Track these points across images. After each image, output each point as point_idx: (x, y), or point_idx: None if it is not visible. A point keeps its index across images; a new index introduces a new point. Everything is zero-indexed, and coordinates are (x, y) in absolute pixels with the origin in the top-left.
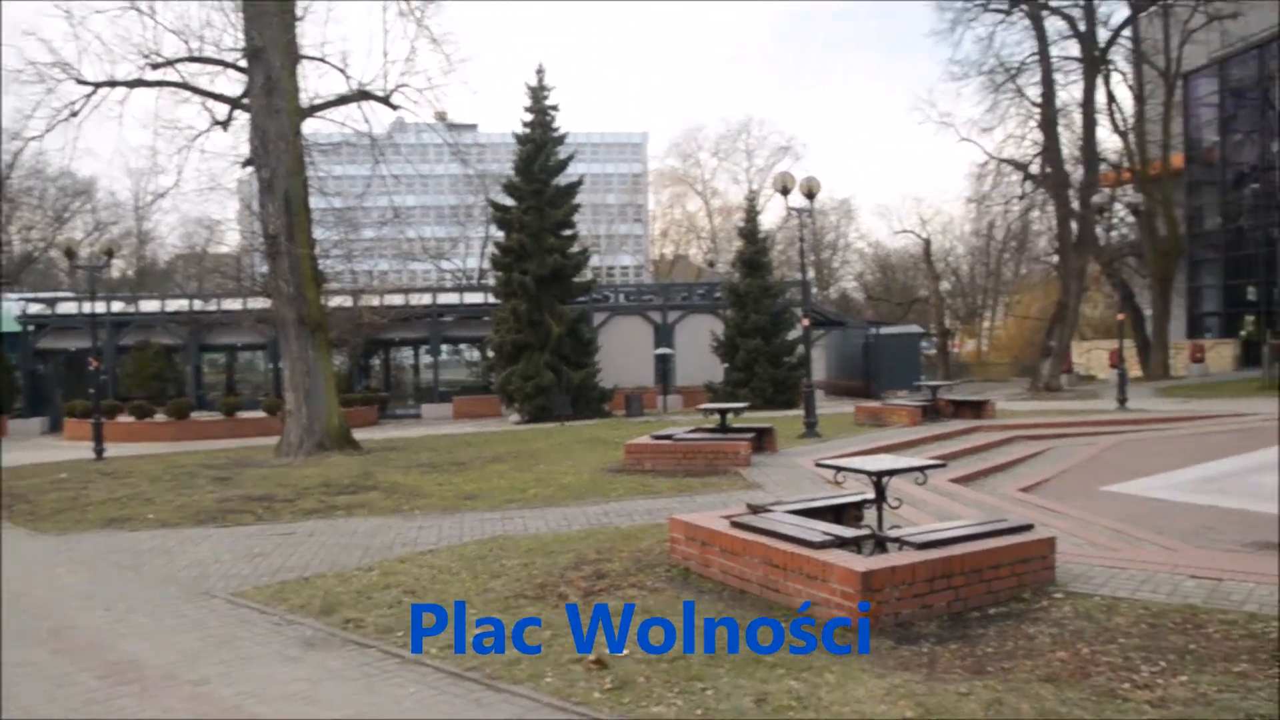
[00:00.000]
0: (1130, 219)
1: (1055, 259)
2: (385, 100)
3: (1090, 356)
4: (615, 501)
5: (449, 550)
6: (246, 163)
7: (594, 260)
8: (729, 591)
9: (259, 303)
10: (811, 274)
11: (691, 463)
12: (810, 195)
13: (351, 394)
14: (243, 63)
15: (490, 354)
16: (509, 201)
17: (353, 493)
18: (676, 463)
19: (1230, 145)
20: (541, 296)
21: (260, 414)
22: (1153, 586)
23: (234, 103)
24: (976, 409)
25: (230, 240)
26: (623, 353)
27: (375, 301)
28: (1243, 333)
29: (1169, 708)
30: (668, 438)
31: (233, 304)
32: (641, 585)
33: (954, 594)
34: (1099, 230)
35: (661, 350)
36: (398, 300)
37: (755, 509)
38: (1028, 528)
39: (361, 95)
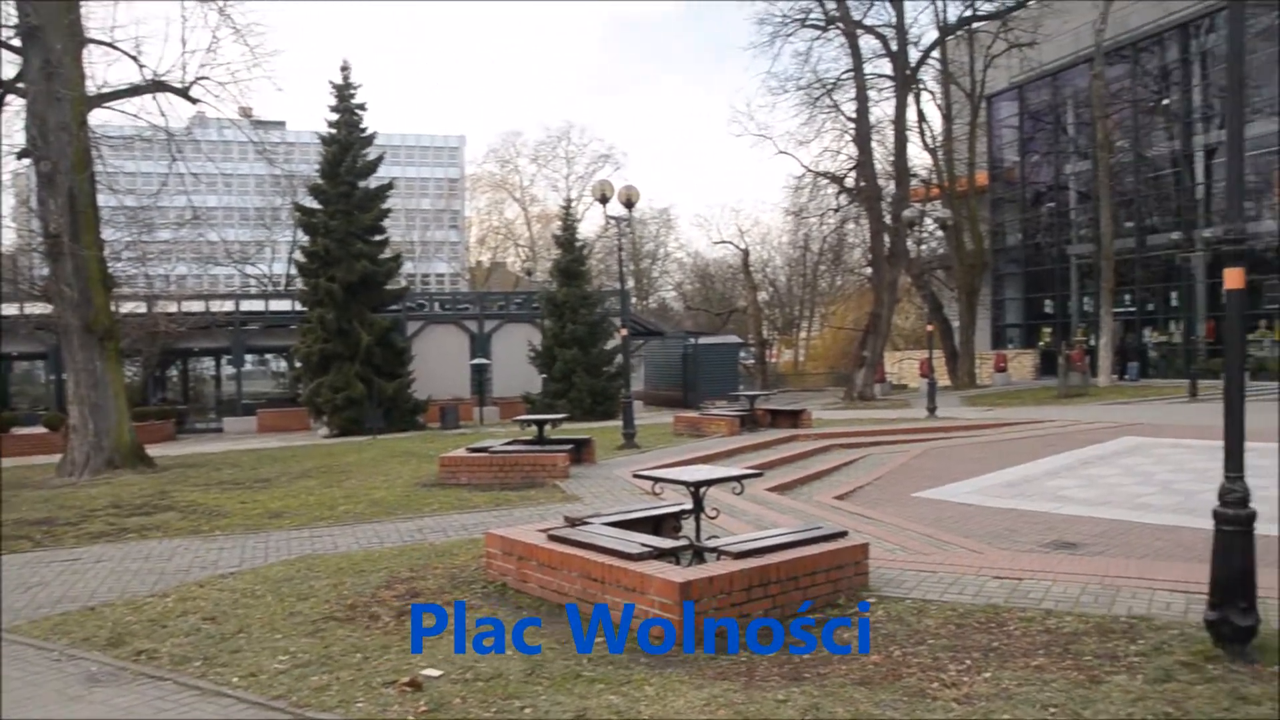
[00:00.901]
0: (939, 233)
1: (869, 271)
2: (183, 93)
3: (902, 366)
4: (430, 517)
5: (253, 572)
6: (23, 154)
7: (407, 267)
8: (546, 606)
9: (38, 308)
10: (630, 283)
11: (508, 476)
12: (629, 204)
13: (145, 407)
14: (16, 41)
15: (297, 364)
16: (315, 204)
17: (146, 513)
18: (493, 476)
19: (1029, 165)
20: (351, 304)
21: (40, 430)
22: (960, 588)
23: (7, 86)
24: (793, 418)
25: (5, 239)
26: (438, 363)
27: (172, 308)
28: (1041, 343)
29: (974, 704)
30: (484, 450)
31: (8, 309)
32: (456, 603)
33: (771, 602)
34: (910, 244)
35: (478, 360)
36: (197, 307)
37: (573, 522)
38: (842, 534)
39: (157, 86)
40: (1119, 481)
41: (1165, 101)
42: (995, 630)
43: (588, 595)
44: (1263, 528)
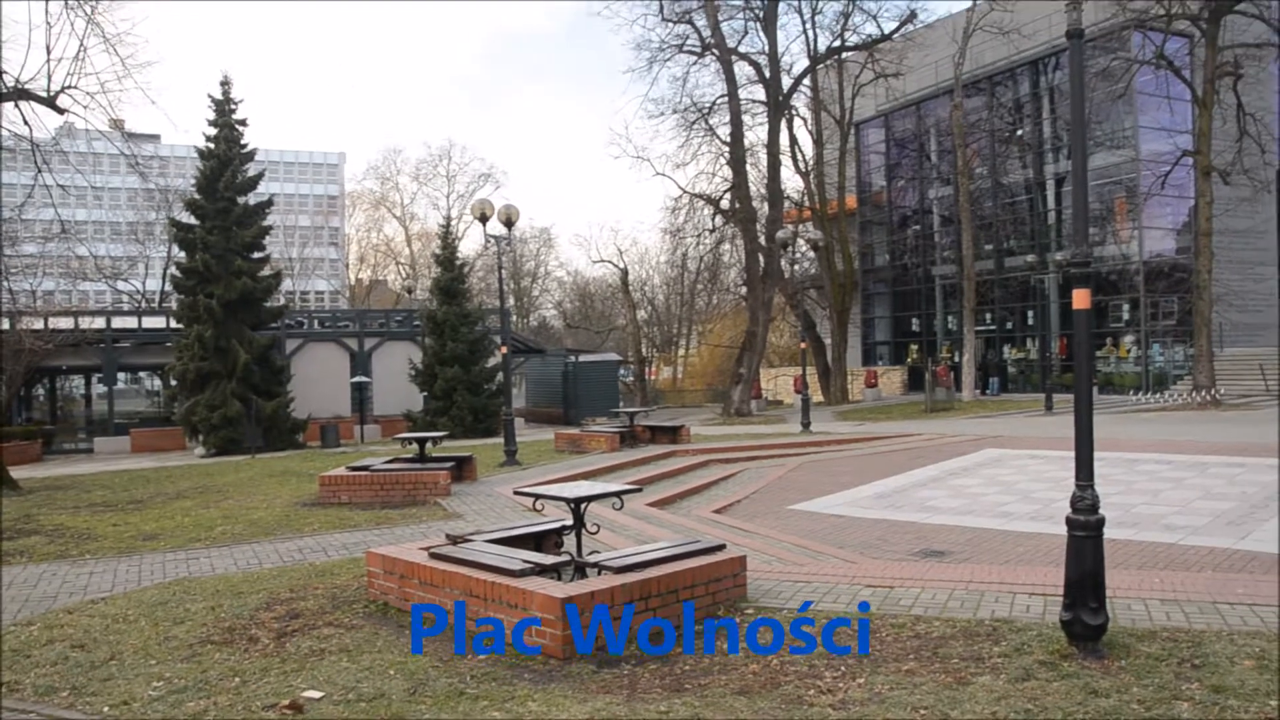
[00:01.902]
0: (811, 254)
1: (744, 290)
2: (49, 103)
3: (777, 382)
4: (310, 537)
5: (125, 597)
6: None
7: (287, 284)
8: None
9: None
10: (511, 302)
11: (390, 494)
12: (509, 223)
13: (10, 427)
14: None
15: (173, 383)
16: (192, 220)
17: (10, 538)
18: (374, 494)
19: (895, 190)
20: (229, 322)
21: None
22: (834, 597)
23: None
24: (672, 434)
25: None
26: (318, 381)
27: (38, 325)
28: (909, 360)
29: (849, 709)
30: (365, 469)
31: None
32: (339, 623)
33: (652, 615)
34: (784, 264)
35: (358, 378)
36: (65, 324)
37: (455, 539)
38: (720, 548)
39: (19, 94)
40: (982, 491)
41: (1019, 132)
42: (869, 638)
43: (470, 613)
44: (1111, 532)
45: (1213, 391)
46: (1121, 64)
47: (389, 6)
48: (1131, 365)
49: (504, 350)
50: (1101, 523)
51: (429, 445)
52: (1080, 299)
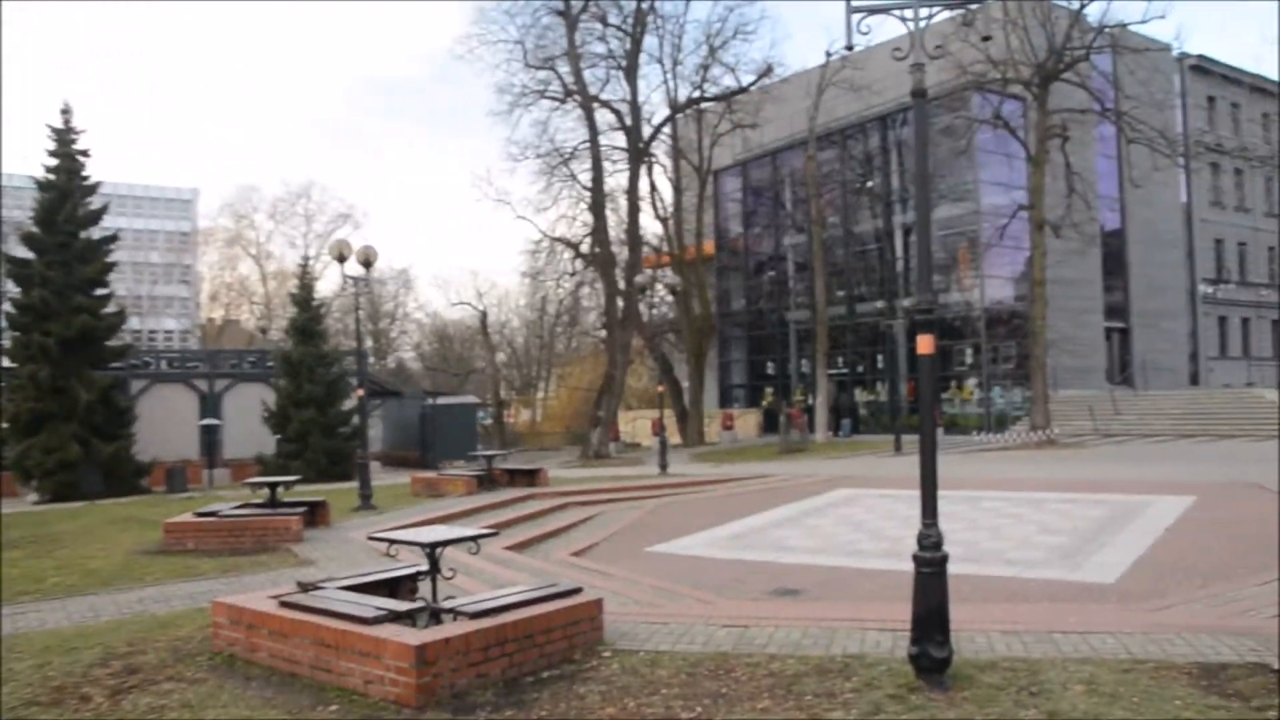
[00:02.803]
0: (669, 298)
1: (603, 333)
2: None
3: (636, 425)
4: (152, 587)
5: None
6: None
7: (133, 323)
8: (279, 676)
9: None
10: (368, 343)
11: (239, 541)
12: (367, 264)
13: None
14: None
15: (4, 425)
16: (28, 254)
17: None
18: (222, 541)
19: (751, 237)
20: (67, 361)
21: None
22: (690, 638)
23: None
24: (530, 477)
25: None
26: (164, 423)
27: None
28: (764, 403)
29: None
30: (213, 514)
31: None
32: (180, 677)
33: (508, 660)
34: (642, 308)
35: (208, 420)
36: None
37: (306, 586)
38: (577, 591)
39: None
40: (835, 530)
41: (869, 184)
42: (724, 677)
43: (321, 662)
44: (956, 567)
45: (1048, 431)
46: (963, 122)
47: (248, 43)
48: (974, 407)
49: (360, 392)
50: (946, 559)
51: (281, 490)
52: (925, 344)
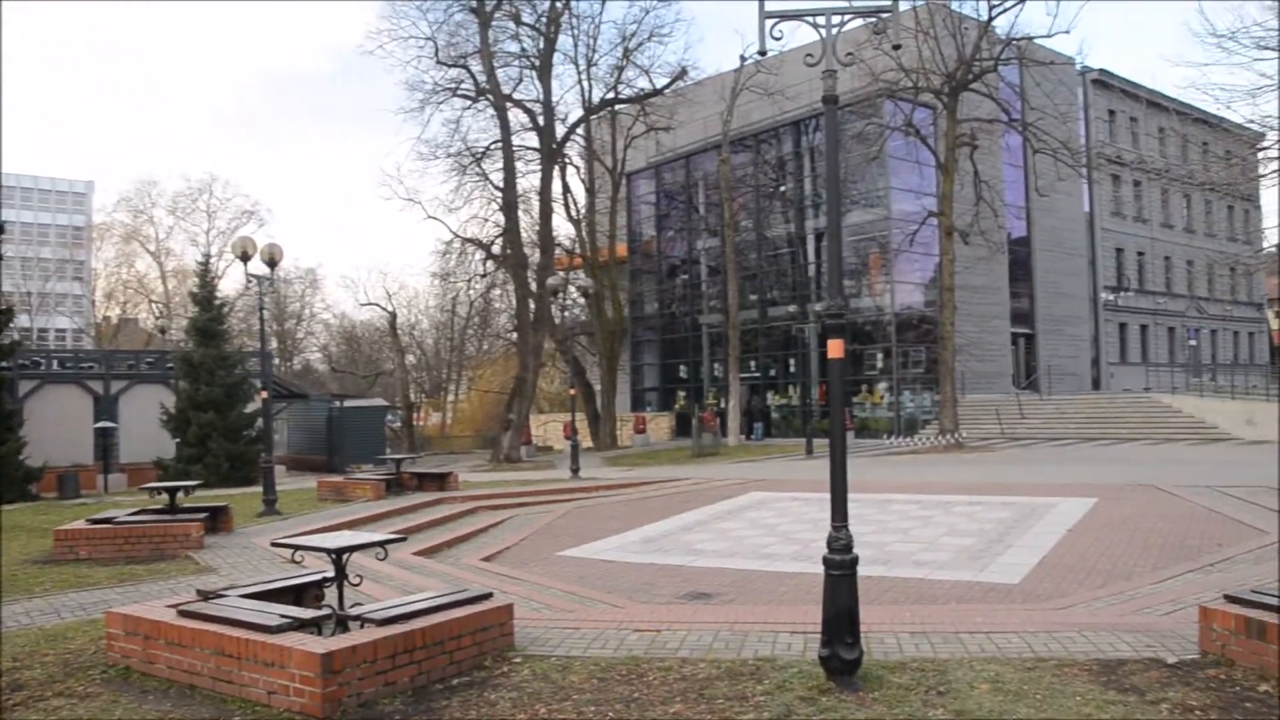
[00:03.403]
0: (582, 301)
1: (515, 336)
2: None
3: (547, 428)
4: (40, 598)
5: None
6: None
7: (22, 320)
8: (177, 688)
9: None
10: (273, 344)
11: (135, 549)
12: (272, 263)
13: None
14: None
15: None
16: None
17: None
18: (117, 549)
19: (665, 240)
20: None
21: None
22: (602, 643)
23: None
24: (440, 481)
25: None
26: (56, 426)
27: None
28: (677, 406)
29: None
30: (107, 521)
31: None
32: (71, 693)
33: (417, 668)
34: (554, 310)
35: (102, 423)
36: None
37: (206, 595)
38: (487, 596)
39: None
40: (747, 534)
41: (782, 189)
42: (636, 681)
43: (222, 673)
44: (865, 570)
45: (956, 435)
46: (875, 129)
47: (146, 30)
48: (885, 410)
49: (264, 395)
50: (855, 561)
51: (180, 495)
52: (834, 348)
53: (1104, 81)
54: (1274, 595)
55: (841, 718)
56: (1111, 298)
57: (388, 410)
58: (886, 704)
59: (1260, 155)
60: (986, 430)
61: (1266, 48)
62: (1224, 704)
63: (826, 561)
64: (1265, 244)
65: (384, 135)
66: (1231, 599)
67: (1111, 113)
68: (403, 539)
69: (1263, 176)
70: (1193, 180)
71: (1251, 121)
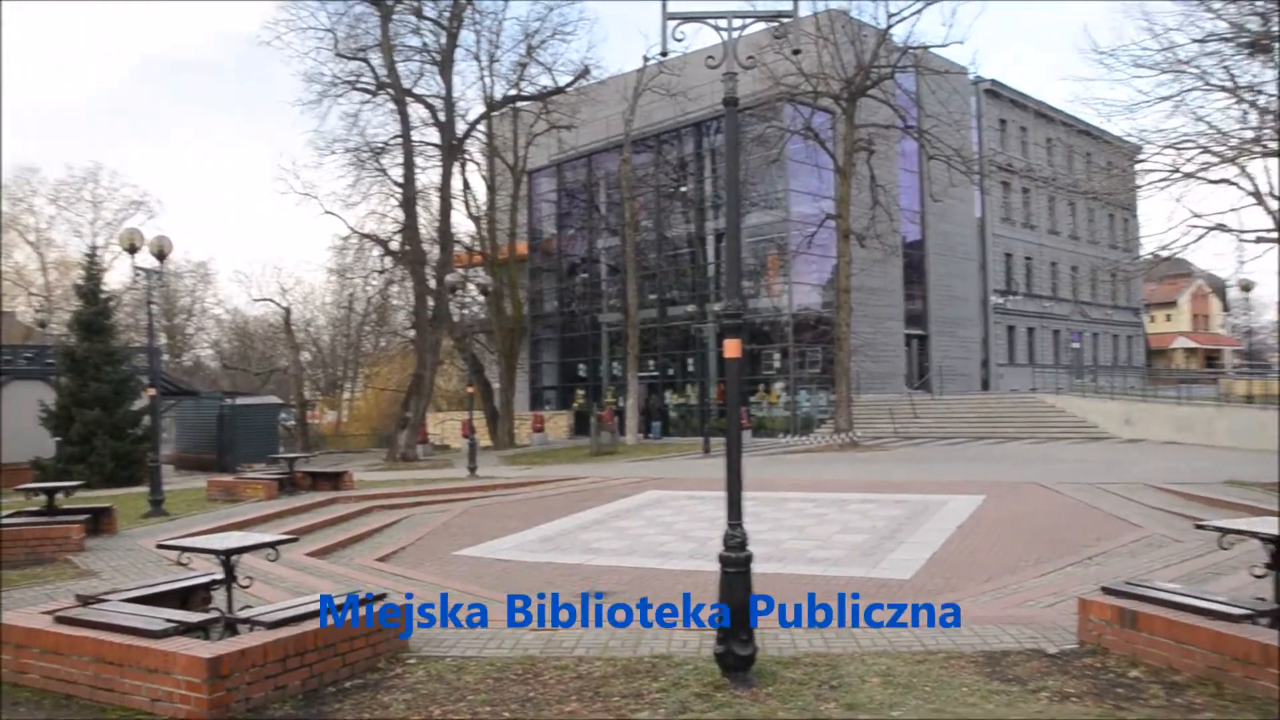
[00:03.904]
0: (481, 298)
1: (412, 333)
2: None
3: (445, 427)
4: None
5: None
6: None
7: None
8: (52, 698)
9: None
10: (162, 340)
11: (10, 552)
12: (161, 256)
13: None
14: None
15: None
16: None
17: None
18: None
19: (565, 238)
20: None
21: None
22: (498, 643)
23: None
24: (335, 480)
25: None
26: None
27: None
28: (575, 405)
29: None
30: None
31: None
32: None
33: (309, 671)
34: (453, 307)
35: None
36: None
37: (86, 600)
38: (382, 597)
39: None
40: (644, 532)
41: (683, 189)
42: (532, 681)
43: (102, 681)
44: (761, 567)
45: (851, 434)
46: (775, 132)
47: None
48: (782, 410)
49: (152, 392)
50: (750, 559)
51: (59, 495)
52: (731, 348)
53: (995, 92)
54: (1146, 586)
55: (735, 714)
56: (1001, 301)
57: (281, 408)
58: (780, 699)
59: (1138, 167)
60: (880, 429)
61: (1143, 65)
62: (1098, 690)
63: (722, 559)
64: (1142, 252)
65: (280, 127)
66: (1108, 591)
67: (1003, 122)
68: (295, 539)
69: (1140, 187)
70: (1077, 189)
71: (1130, 135)
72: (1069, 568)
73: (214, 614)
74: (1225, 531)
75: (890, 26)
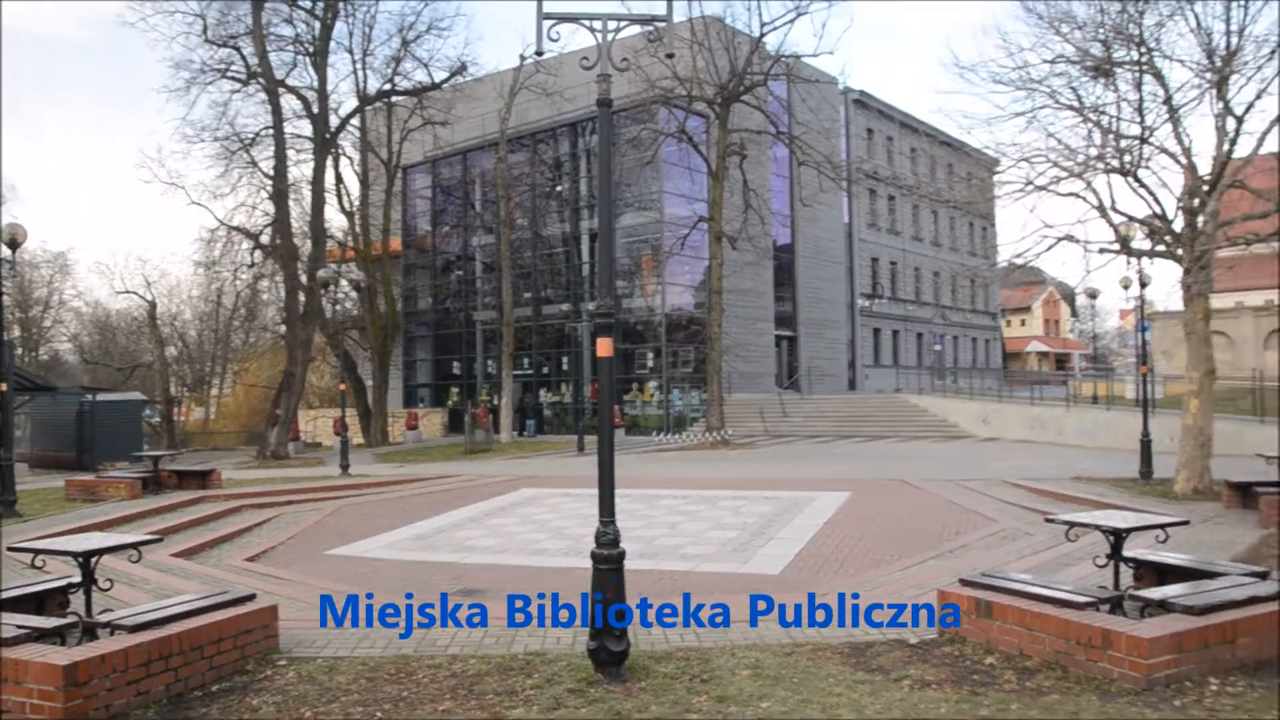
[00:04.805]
0: (354, 294)
1: (283, 329)
2: None
3: (317, 424)
4: None
5: None
6: None
7: None
8: None
9: None
10: (15, 333)
11: None
12: (14, 244)
13: None
14: None
15: None
16: None
17: None
18: None
19: (440, 235)
20: None
21: None
22: (370, 642)
23: None
24: (202, 479)
25: None
26: None
27: None
28: (450, 402)
29: None
30: None
31: None
32: None
33: (173, 675)
34: (325, 303)
35: None
36: None
37: None
38: (250, 598)
39: None
40: (518, 530)
41: (558, 188)
42: (405, 680)
43: None
44: (633, 563)
45: (723, 432)
46: (649, 134)
47: None
48: (655, 408)
49: (3, 387)
50: (622, 555)
51: None
52: (603, 347)
53: (863, 102)
54: (1000, 577)
55: (609, 709)
56: (867, 304)
57: (146, 404)
58: (653, 693)
59: (995, 179)
60: (751, 428)
61: (1000, 82)
62: (956, 677)
63: (594, 556)
64: (999, 259)
65: (147, 114)
66: (965, 582)
67: (870, 131)
68: (160, 540)
69: (997, 198)
70: (939, 198)
71: (988, 147)
72: (930, 561)
73: (72, 619)
74: (1072, 525)
75: (763, 35)
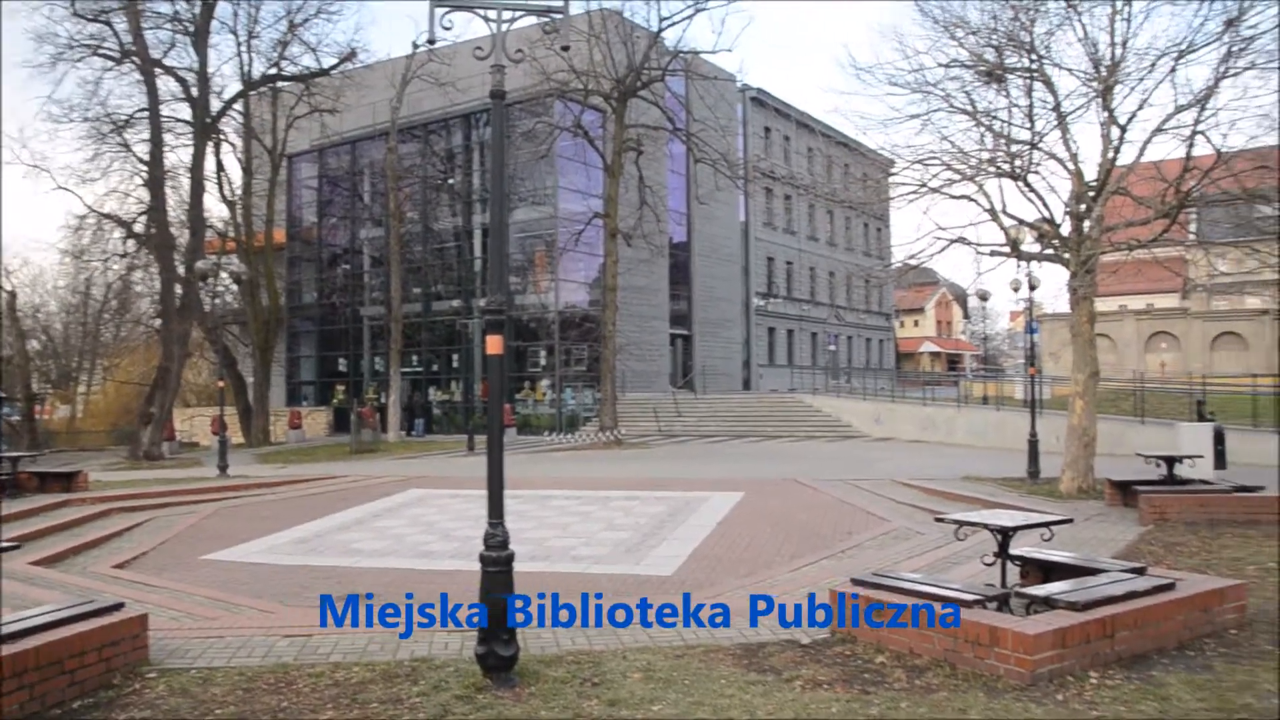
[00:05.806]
0: (234, 287)
1: (158, 322)
2: None
3: (194, 423)
4: None
5: None
6: None
7: None
8: None
9: None
10: None
11: None
12: None
13: None
14: None
15: None
16: None
17: None
18: None
19: (326, 227)
20: None
21: None
22: (249, 651)
23: None
24: (67, 481)
25: None
26: None
27: None
28: (335, 401)
29: None
30: None
31: None
32: None
33: (28, 693)
34: (204, 296)
35: None
36: None
37: None
38: (118, 607)
39: None
40: (406, 532)
41: (450, 181)
42: (285, 690)
43: None
44: (524, 565)
45: (616, 432)
46: (544, 128)
47: None
48: (547, 407)
49: None
50: (512, 558)
51: None
52: (493, 344)
53: (761, 100)
54: (890, 577)
55: (497, 715)
56: (762, 303)
57: (4, 402)
58: (543, 698)
59: (890, 180)
60: (645, 428)
61: (896, 84)
62: (847, 677)
63: (483, 558)
64: (893, 260)
65: (9, 90)
66: (856, 582)
67: (767, 130)
68: (18, 547)
69: (892, 199)
70: (835, 198)
71: (883, 149)
72: (823, 560)
73: None
74: (961, 524)
75: (662, 30)
